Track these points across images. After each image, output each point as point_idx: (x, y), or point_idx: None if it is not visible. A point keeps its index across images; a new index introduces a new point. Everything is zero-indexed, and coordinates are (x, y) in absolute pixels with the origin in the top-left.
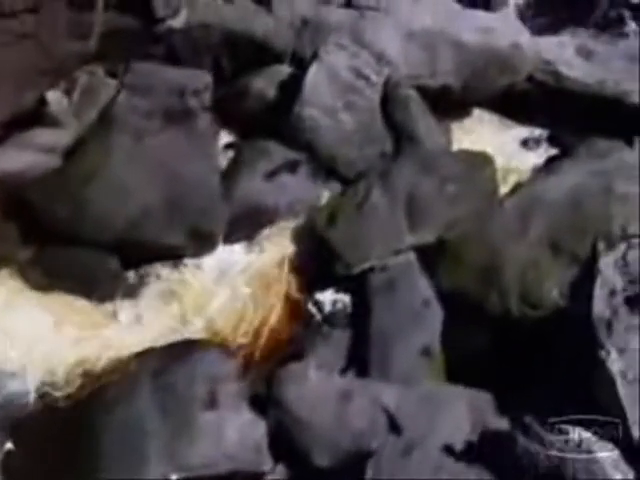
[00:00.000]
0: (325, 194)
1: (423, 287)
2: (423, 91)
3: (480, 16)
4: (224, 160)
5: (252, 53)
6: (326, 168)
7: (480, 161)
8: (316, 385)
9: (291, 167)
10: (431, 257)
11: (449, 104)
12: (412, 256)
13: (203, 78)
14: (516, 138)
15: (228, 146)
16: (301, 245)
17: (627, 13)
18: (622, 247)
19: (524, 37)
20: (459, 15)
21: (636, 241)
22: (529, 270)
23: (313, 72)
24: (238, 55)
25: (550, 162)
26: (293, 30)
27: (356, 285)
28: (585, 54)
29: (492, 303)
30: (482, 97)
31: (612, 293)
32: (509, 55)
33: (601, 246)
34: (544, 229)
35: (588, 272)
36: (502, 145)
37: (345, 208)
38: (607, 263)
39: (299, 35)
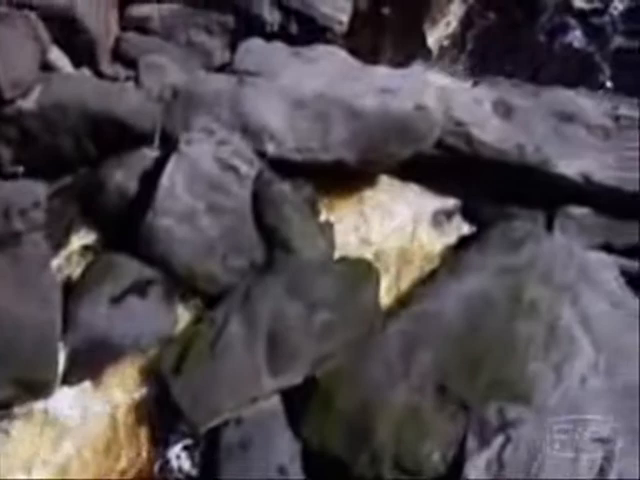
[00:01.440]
0: (182, 319)
1: (281, 447)
2: (315, 166)
3: (381, 75)
4: (79, 267)
5: (115, 134)
6: (185, 286)
7: (362, 274)
8: None
9: (141, 289)
10: (297, 403)
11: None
12: (275, 402)
13: (33, 192)
14: (425, 210)
15: (86, 248)
16: (148, 390)
17: (572, 20)
18: (498, 441)
19: (431, 96)
20: (356, 75)
21: (515, 433)
22: (407, 423)
23: (170, 170)
24: (100, 137)
25: (462, 243)
26: (163, 104)
27: (207, 442)
28: (503, 111)
29: (362, 466)
30: (383, 169)
31: None
32: (413, 120)
33: (470, 443)
34: (431, 363)
35: None
36: (409, 219)
37: (197, 346)
38: (478, 467)
39: (169, 109)
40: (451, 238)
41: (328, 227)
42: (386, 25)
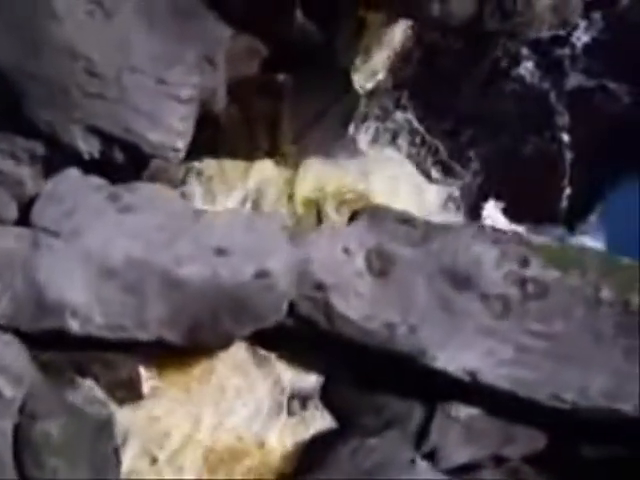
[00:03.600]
0: None
1: None
2: (131, 345)
3: (217, 227)
4: None
5: None
6: None
7: None
8: None
9: None
10: None
11: None
12: None
13: None
14: (276, 391)
15: None
16: None
17: (524, 50)
18: None
19: (279, 256)
20: (185, 229)
21: None
22: None
23: None
24: None
25: (313, 446)
26: None
27: None
28: (379, 267)
29: None
30: (219, 347)
31: None
32: (251, 293)
33: None
34: None
35: None
36: (252, 406)
37: None
38: None
39: None
40: (303, 434)
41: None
42: (283, 91)
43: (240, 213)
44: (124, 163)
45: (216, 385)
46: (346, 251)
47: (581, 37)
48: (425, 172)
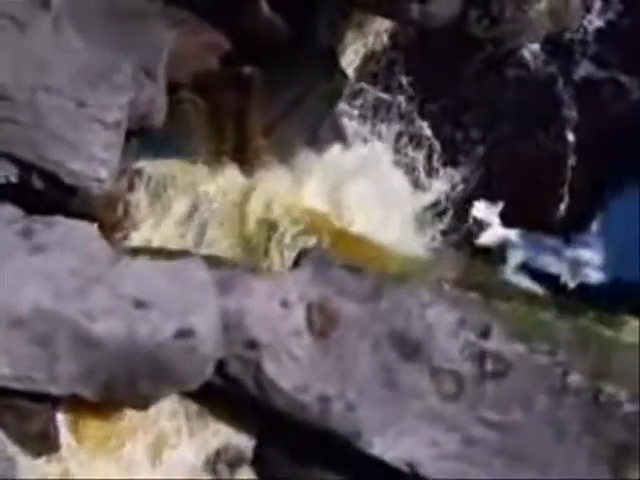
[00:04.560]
0: None
1: None
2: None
3: (137, 273)
4: None
5: None
6: None
7: None
8: None
9: None
10: None
11: None
12: None
13: None
14: (207, 451)
15: None
16: None
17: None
18: None
19: (206, 311)
20: (101, 275)
21: None
22: None
23: None
24: None
25: None
26: None
27: None
28: (322, 324)
29: None
30: (135, 408)
31: None
32: (170, 355)
33: None
34: None
35: None
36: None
37: None
38: None
39: None
40: None
41: None
42: (250, 84)
43: (163, 259)
44: (46, 189)
45: (139, 440)
46: (285, 304)
47: (593, 21)
48: (412, 165)
